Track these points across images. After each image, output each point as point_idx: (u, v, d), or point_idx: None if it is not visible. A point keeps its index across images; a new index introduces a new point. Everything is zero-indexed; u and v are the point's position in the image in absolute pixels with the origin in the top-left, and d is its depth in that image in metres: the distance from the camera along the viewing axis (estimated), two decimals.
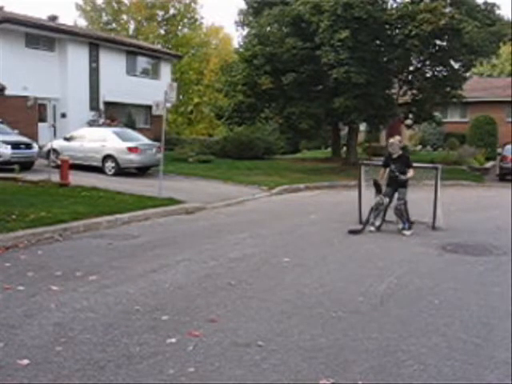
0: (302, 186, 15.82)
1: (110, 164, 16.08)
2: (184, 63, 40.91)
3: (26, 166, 15.24)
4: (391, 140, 9.22)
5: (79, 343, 3.98)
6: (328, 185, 16.41)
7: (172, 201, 11.22)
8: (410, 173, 8.91)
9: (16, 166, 13.74)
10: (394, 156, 9.04)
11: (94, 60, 24.75)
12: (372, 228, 8.89)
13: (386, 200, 8.94)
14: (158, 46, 37.18)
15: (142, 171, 16.90)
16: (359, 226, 9.00)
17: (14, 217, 8.29)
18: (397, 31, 18.77)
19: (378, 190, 9.00)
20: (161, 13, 43.94)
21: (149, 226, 9.17)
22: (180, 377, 3.49)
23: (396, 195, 8.97)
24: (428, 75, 21.58)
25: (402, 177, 8.84)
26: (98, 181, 13.71)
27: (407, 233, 8.74)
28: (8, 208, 8.84)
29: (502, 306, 5.05)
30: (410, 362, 3.76)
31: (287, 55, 18.85)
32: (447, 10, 17.98)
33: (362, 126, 26.21)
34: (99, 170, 16.04)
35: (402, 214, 8.87)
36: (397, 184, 8.95)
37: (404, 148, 9.14)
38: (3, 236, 7.23)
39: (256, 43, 19.71)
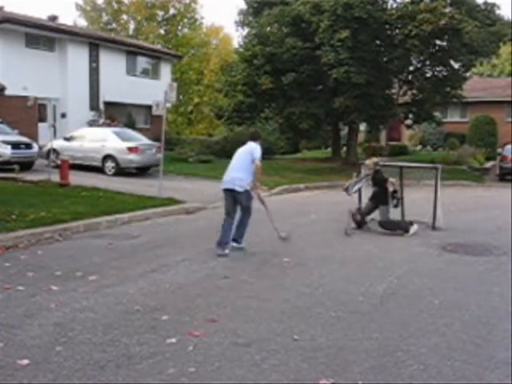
0: (301, 186, 15.81)
1: (110, 164, 16.08)
2: (184, 63, 40.88)
3: (26, 165, 15.22)
4: (367, 162, 9.40)
5: (79, 343, 3.98)
6: (328, 185, 16.39)
7: (172, 201, 11.21)
8: (389, 186, 8.91)
9: (16, 166, 13.72)
10: (369, 176, 9.12)
11: (94, 60, 24.75)
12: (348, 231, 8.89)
13: (358, 217, 9.03)
14: (158, 46, 37.16)
15: (141, 171, 16.90)
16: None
17: (13, 217, 8.29)
18: (397, 31, 18.81)
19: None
20: (161, 13, 43.91)
21: (149, 225, 9.17)
22: (180, 377, 3.49)
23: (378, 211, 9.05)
24: (428, 75, 21.60)
25: (396, 199, 8.97)
26: (98, 181, 13.71)
27: (408, 234, 8.72)
28: (8, 208, 8.84)
29: (502, 306, 5.05)
30: (409, 362, 3.76)
31: (287, 55, 18.86)
32: (447, 9, 17.99)
33: (362, 126, 26.22)
34: (99, 169, 16.04)
35: (389, 227, 8.88)
36: (377, 200, 9.01)
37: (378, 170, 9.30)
38: (3, 236, 7.23)
39: (256, 43, 19.72)
